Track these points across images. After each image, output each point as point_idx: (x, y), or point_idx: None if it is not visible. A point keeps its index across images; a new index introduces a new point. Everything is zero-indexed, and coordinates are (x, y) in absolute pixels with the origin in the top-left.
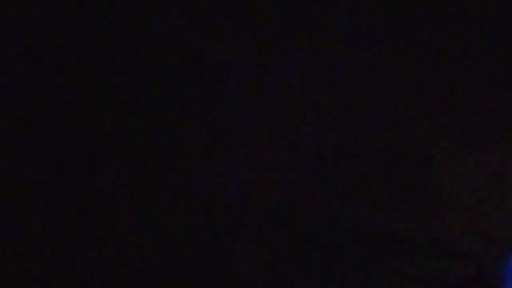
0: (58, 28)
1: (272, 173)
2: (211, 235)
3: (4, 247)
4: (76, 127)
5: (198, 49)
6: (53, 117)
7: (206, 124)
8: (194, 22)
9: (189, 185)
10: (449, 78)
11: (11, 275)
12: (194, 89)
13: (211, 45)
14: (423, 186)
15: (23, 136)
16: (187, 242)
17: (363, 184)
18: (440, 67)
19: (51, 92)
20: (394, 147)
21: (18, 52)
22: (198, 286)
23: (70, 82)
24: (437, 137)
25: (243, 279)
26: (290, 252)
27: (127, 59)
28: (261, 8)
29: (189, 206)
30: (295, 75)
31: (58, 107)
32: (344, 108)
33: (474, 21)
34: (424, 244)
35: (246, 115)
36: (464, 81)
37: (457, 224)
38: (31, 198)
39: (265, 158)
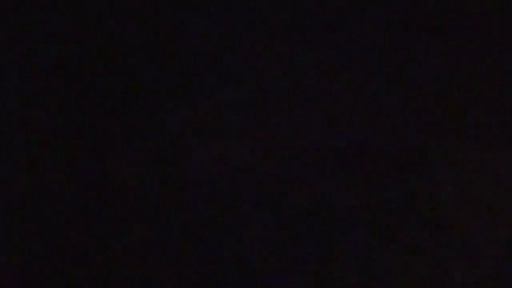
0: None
1: (268, 159)
2: (211, 222)
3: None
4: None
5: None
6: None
7: (201, 109)
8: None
9: (184, 169)
10: (446, 78)
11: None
12: (189, 73)
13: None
14: (420, 186)
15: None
16: (188, 229)
17: (362, 183)
18: (438, 67)
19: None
20: (390, 147)
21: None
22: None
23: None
24: (434, 137)
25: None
26: (288, 234)
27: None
28: (262, 4)
29: (186, 191)
30: (293, 75)
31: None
32: (343, 108)
33: (473, 21)
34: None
35: (241, 97)
36: (462, 81)
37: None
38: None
39: (262, 143)
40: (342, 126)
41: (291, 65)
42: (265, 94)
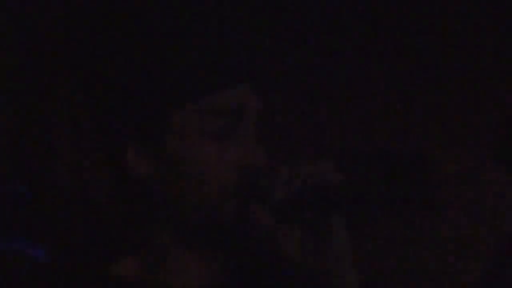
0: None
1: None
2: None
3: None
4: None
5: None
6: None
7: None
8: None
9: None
10: (446, 80)
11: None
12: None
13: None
14: (421, 190)
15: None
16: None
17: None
18: (437, 68)
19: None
20: (392, 150)
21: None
22: None
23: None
24: (436, 140)
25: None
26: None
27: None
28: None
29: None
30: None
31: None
32: (343, 110)
33: (470, 21)
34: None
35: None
36: (464, 83)
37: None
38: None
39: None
40: (341, 128)
41: (296, 65)
42: (272, 95)
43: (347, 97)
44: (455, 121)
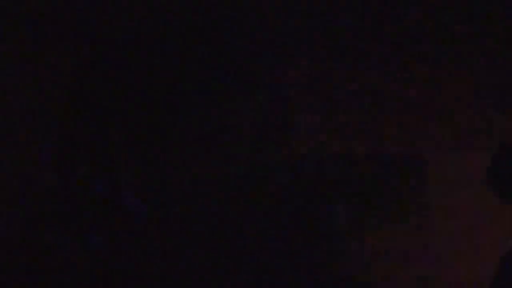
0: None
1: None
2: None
3: None
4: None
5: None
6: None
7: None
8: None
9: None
10: (440, 85)
11: None
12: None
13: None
14: (414, 193)
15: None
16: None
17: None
18: (430, 73)
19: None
20: (385, 154)
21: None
22: None
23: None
24: (429, 144)
25: None
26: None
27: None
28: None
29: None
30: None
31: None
32: (337, 116)
33: (463, 27)
34: None
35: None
36: (456, 87)
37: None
38: None
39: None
40: (335, 133)
41: (306, 74)
42: (284, 101)
43: (346, 97)
44: (455, 123)
